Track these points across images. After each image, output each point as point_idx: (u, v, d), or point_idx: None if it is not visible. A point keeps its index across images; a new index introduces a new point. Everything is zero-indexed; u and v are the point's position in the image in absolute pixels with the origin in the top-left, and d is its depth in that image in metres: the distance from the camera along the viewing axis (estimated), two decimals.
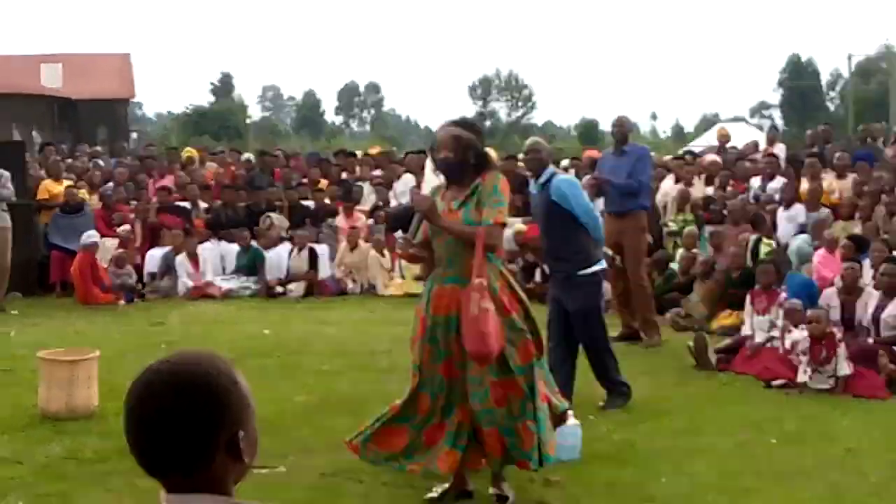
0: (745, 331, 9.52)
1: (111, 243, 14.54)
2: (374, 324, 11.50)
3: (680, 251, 12.75)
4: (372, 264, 14.65)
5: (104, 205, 15.30)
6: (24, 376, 8.45)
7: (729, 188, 14.68)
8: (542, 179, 7.66)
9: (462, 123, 5.67)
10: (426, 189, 6.16)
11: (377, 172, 17.16)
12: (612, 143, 10.77)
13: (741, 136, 22.69)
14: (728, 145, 17.99)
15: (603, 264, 7.81)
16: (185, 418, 1.83)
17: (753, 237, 12.28)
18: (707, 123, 65.21)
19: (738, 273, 11.29)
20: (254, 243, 14.63)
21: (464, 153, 5.47)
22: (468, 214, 5.44)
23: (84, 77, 52.86)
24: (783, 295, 9.57)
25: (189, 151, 19.01)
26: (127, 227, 14.83)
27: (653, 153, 14.52)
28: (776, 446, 6.73)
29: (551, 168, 7.86)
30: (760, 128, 41.15)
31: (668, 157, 19.05)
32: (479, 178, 5.49)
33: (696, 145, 28.42)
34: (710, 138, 26.65)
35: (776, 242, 12.32)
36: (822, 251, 11.56)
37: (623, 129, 10.60)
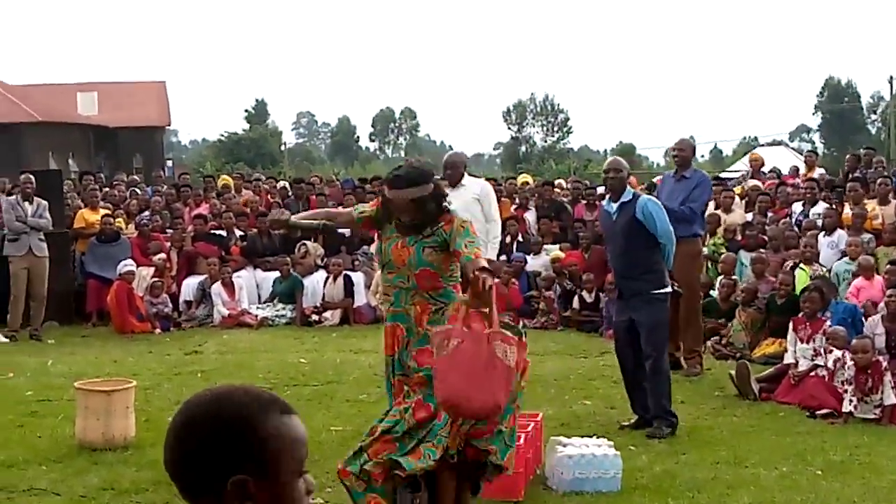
0: (789, 359, 9.36)
1: (147, 272, 14.58)
2: None
3: (720, 278, 12.60)
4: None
5: (140, 233, 15.36)
6: (62, 406, 8.46)
7: (770, 213, 14.51)
8: (624, 199, 7.79)
9: (410, 179, 5.37)
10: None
11: None
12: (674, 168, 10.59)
13: (780, 160, 22.55)
14: (763, 169, 17.85)
15: (670, 287, 7.90)
16: (191, 451, 1.85)
17: (790, 263, 12.13)
18: (746, 147, 64.86)
19: (783, 300, 11.12)
20: (292, 271, 14.62)
21: (426, 210, 5.34)
22: (423, 255, 5.31)
23: (120, 105, 53.46)
24: (828, 322, 9.43)
25: (224, 179, 19.09)
26: (163, 255, 14.88)
27: None
28: (821, 478, 6.61)
29: (630, 188, 7.98)
30: (800, 151, 40.79)
31: None
32: (441, 223, 5.36)
33: (733, 171, 28.24)
34: (748, 162, 26.51)
35: (824, 269, 12.11)
36: (859, 279, 11.40)
37: (685, 152, 10.35)
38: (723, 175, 23.53)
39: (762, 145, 47.61)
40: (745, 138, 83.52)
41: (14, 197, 13.43)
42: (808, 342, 9.24)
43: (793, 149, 46.64)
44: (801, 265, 12.02)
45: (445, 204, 5.43)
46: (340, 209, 5.77)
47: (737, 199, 15.11)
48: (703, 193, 10.25)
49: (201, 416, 1.85)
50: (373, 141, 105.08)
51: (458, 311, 5.04)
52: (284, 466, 1.84)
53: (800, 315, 9.61)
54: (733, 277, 12.47)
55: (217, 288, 14.43)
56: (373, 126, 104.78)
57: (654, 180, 14.72)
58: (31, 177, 13.58)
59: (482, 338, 4.93)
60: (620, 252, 7.89)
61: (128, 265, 13.94)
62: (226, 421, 1.82)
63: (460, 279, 5.41)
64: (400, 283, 5.38)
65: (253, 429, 1.82)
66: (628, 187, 7.96)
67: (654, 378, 7.78)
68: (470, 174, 10.62)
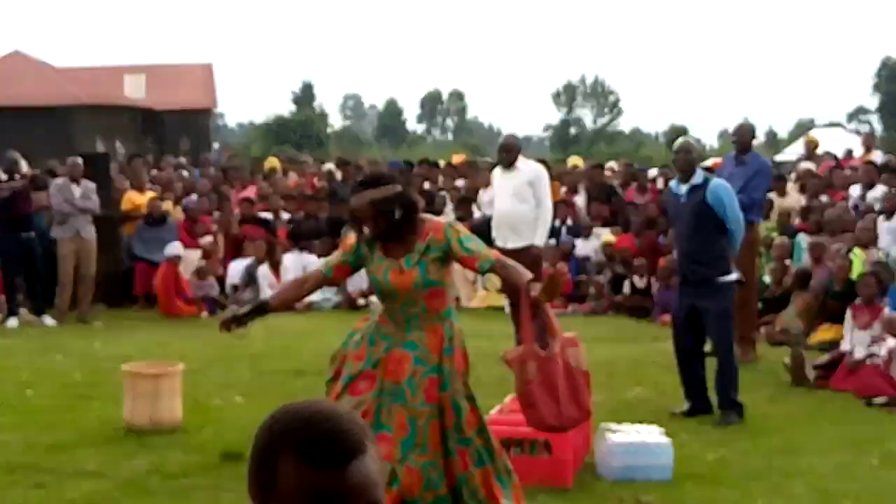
0: (845, 346, 9.19)
1: (194, 255, 14.64)
2: None
3: (770, 263, 12.40)
4: (456, 276, 14.54)
5: (187, 216, 15.42)
6: (109, 389, 8.48)
7: (824, 197, 14.27)
8: (695, 182, 7.66)
9: (368, 181, 5.12)
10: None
11: (460, 183, 17.06)
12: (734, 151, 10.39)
13: (837, 143, 22.21)
14: (820, 152, 17.57)
15: (736, 275, 7.78)
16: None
17: (845, 248, 11.90)
18: (802, 129, 64.03)
19: (840, 285, 10.92)
20: None
21: (389, 214, 4.94)
22: (427, 274, 4.95)
23: (167, 88, 53.81)
24: (886, 309, 9.23)
25: (271, 162, 19.15)
26: (209, 238, 14.93)
27: None
28: (877, 467, 6.53)
29: (702, 171, 7.85)
30: (858, 133, 40.16)
31: None
32: (421, 234, 4.99)
33: (790, 153, 27.91)
34: (803, 145, 26.22)
35: (882, 253, 11.88)
36: None
37: (744, 137, 10.17)
38: (777, 158, 23.24)
39: (818, 127, 47.00)
40: (800, 120, 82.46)
41: (62, 179, 13.51)
42: (865, 329, 9.07)
43: (850, 131, 45.94)
44: (856, 249, 11.78)
45: (419, 213, 5.06)
46: (306, 276, 5.49)
47: (790, 182, 14.90)
48: (763, 181, 10.07)
49: (259, 427, 1.74)
50: (420, 123, 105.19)
51: (524, 330, 4.94)
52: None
53: (857, 301, 9.43)
54: (786, 262, 12.27)
55: (264, 270, 14.44)
56: (420, 108, 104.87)
57: (709, 163, 14.47)
58: (79, 159, 13.66)
59: (554, 355, 4.89)
60: (687, 236, 7.76)
61: (175, 248, 14.00)
62: (258, 441, 1.71)
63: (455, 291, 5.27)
64: (411, 308, 4.97)
65: (269, 460, 1.69)
66: (698, 169, 7.81)
67: (723, 363, 7.69)
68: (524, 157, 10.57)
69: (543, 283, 4.93)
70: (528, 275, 4.96)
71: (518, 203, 10.01)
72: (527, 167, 10.34)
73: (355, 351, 5.11)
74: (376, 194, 4.93)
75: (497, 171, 10.54)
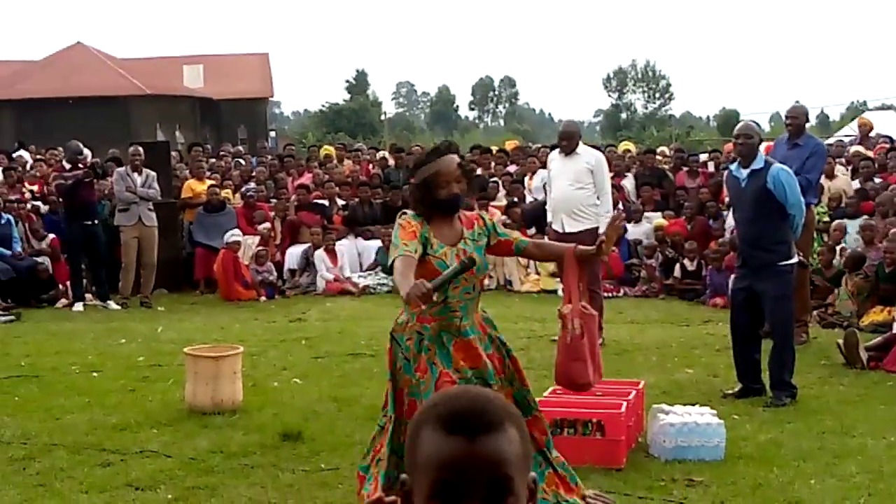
0: None
1: (252, 241, 14.85)
2: (509, 319, 11.44)
3: (817, 247, 12.33)
4: (508, 260, 14.61)
5: (245, 203, 15.63)
6: (172, 371, 8.69)
7: (878, 179, 14.13)
8: (756, 166, 7.65)
9: (447, 145, 5.14)
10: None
11: (511, 168, 17.11)
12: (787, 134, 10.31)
13: (891, 125, 21.87)
14: (873, 134, 17.35)
15: (796, 258, 7.78)
16: None
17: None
18: (854, 112, 62.99)
19: (891, 267, 10.85)
20: None
21: (469, 178, 5.02)
22: (484, 258, 5.03)
23: (224, 77, 54.17)
24: None
25: (326, 150, 19.30)
26: (267, 224, 15.13)
27: None
28: None
29: (763, 155, 7.83)
30: None
31: None
32: (466, 222, 5.02)
33: (843, 135, 27.51)
34: (856, 127, 25.83)
35: None
36: None
37: (798, 119, 10.10)
38: (829, 141, 22.97)
39: (871, 109, 46.19)
40: (853, 103, 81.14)
41: (124, 168, 13.77)
42: None
43: None
44: None
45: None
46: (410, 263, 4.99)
47: (839, 165, 14.76)
48: (818, 162, 9.96)
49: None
50: (472, 110, 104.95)
51: (571, 291, 5.06)
52: (417, 486, 1.70)
53: None
54: (837, 245, 12.20)
55: (320, 254, 14.63)
56: (472, 95, 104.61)
57: (761, 147, 14.37)
58: (140, 148, 13.91)
59: (593, 316, 5.10)
60: (748, 220, 7.73)
61: (234, 234, 14.22)
62: (412, 420, 1.77)
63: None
64: (467, 294, 4.92)
65: (414, 436, 1.72)
66: (760, 154, 7.78)
67: (780, 346, 7.69)
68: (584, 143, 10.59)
69: (606, 229, 5.06)
70: (569, 246, 5.09)
71: (577, 188, 10.06)
72: (587, 153, 10.39)
73: (415, 368, 4.89)
74: (461, 160, 5.00)
75: (555, 157, 10.54)
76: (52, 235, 14.10)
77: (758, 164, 7.66)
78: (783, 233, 7.60)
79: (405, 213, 4.93)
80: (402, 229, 4.75)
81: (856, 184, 14.21)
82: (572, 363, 5.14)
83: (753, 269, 7.68)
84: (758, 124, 9.00)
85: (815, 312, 11.07)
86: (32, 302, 13.50)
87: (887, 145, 16.24)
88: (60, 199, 13.81)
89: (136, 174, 13.46)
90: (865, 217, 12.83)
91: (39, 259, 13.81)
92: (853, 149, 15.98)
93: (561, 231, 10.14)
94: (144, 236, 13.46)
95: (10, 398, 7.97)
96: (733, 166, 8.04)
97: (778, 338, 7.74)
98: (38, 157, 17.78)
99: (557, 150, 10.57)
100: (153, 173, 13.60)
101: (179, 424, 7.06)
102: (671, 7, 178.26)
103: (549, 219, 10.47)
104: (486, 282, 14.65)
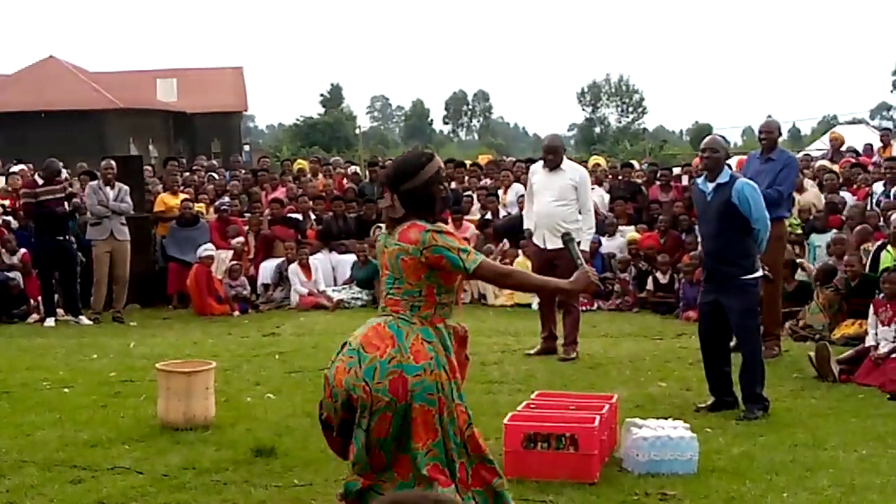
0: (870, 341, 9.21)
1: (226, 255, 14.80)
2: (483, 334, 11.45)
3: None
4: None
5: (219, 217, 15.58)
6: (144, 387, 8.63)
7: (846, 193, 14.25)
8: (721, 180, 7.69)
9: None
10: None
11: (485, 182, 17.14)
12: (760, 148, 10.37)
13: (861, 139, 22.08)
14: (843, 148, 17.49)
15: (760, 272, 7.80)
16: None
17: (877, 244, 11.90)
18: (825, 126, 63.54)
19: (855, 280, 10.96)
20: (370, 258, 14.64)
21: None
22: None
23: (198, 91, 54.14)
24: None
25: (300, 164, 19.30)
26: (241, 239, 15.08)
27: None
28: None
29: (728, 169, 7.88)
30: (880, 130, 39.85)
31: None
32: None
33: (814, 149, 27.75)
34: (827, 141, 26.08)
35: None
36: None
37: (773, 134, 10.17)
38: (800, 154, 23.17)
39: (842, 123, 46.63)
40: (824, 117, 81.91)
41: (96, 182, 13.70)
42: (889, 324, 9.08)
43: (874, 127, 45.55)
44: (889, 247, 11.75)
45: None
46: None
47: (807, 179, 14.89)
48: (790, 174, 10.01)
49: None
50: (446, 124, 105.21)
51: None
52: None
53: (880, 297, 9.44)
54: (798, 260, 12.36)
55: (294, 268, 14.59)
56: (446, 109, 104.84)
57: (733, 162, 14.49)
58: (113, 162, 13.84)
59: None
60: (713, 234, 7.78)
61: (207, 249, 14.16)
62: None
63: None
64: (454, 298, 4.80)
65: None
66: (725, 168, 7.83)
67: (747, 363, 7.73)
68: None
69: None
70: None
71: (560, 204, 10.09)
72: (571, 169, 10.40)
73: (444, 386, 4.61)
74: None
75: (538, 170, 10.49)
76: (23, 250, 14.00)
77: (723, 178, 7.71)
78: (747, 247, 7.64)
79: (427, 224, 4.64)
80: (451, 236, 4.62)
81: (822, 197, 14.33)
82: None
83: (718, 283, 7.73)
84: (724, 138, 9.05)
85: (786, 325, 11.13)
86: (3, 317, 13.40)
87: (852, 160, 16.39)
88: (26, 215, 13.79)
89: (108, 188, 13.39)
90: (835, 231, 12.93)
91: (10, 274, 13.70)
92: (818, 163, 16.11)
93: (542, 247, 10.16)
94: (116, 250, 13.38)
95: None
96: (700, 180, 8.09)
97: (746, 351, 7.79)
98: (11, 171, 17.64)
99: (540, 163, 10.52)
100: (126, 187, 13.53)
101: (151, 440, 7.02)
102: (645, 22, 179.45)
103: (526, 227, 10.49)
104: (461, 295, 14.69)
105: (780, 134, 10.57)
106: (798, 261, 12.34)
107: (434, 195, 4.71)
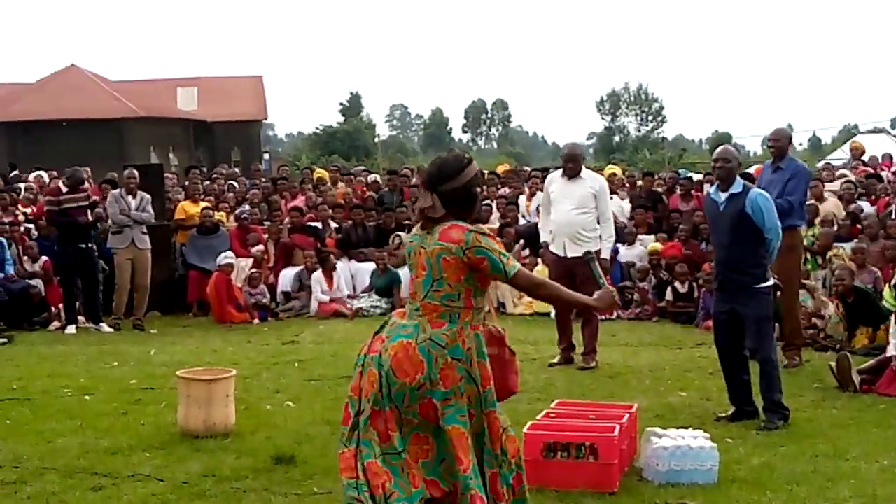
0: (891, 351, 9.15)
1: (246, 263, 14.85)
2: None
3: (815, 270, 12.38)
4: (501, 282, 14.58)
5: (239, 225, 15.63)
6: (164, 394, 8.66)
7: (864, 203, 14.20)
8: (734, 190, 7.70)
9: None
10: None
11: (504, 191, 17.15)
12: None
13: (881, 148, 21.98)
14: (865, 157, 17.43)
15: (772, 281, 7.80)
16: None
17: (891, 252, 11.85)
18: (846, 135, 63.26)
19: (851, 298, 11.00)
20: (389, 266, 14.68)
21: None
22: None
23: (218, 100, 54.33)
24: None
25: (320, 172, 19.35)
26: (261, 247, 15.13)
27: None
28: None
29: (741, 179, 7.88)
30: None
31: None
32: None
33: (834, 158, 27.63)
34: (848, 150, 25.97)
35: None
36: None
37: (780, 142, 10.12)
38: (820, 164, 23.08)
39: (862, 132, 46.42)
40: (845, 126, 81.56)
41: (118, 191, 13.77)
42: None
43: (895, 136, 45.38)
44: None
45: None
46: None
47: (827, 188, 14.84)
48: (799, 184, 9.91)
49: None
50: (465, 132, 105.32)
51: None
52: None
53: None
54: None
55: (318, 276, 14.62)
56: (465, 118, 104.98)
57: (751, 170, 14.47)
58: (135, 171, 13.92)
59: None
60: (726, 244, 7.77)
61: (227, 257, 14.21)
62: None
63: None
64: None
65: None
66: (738, 178, 7.83)
67: (764, 369, 7.71)
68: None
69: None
70: None
71: (580, 213, 10.07)
72: (590, 178, 10.39)
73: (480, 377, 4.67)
74: None
75: (556, 179, 10.47)
76: (45, 258, 14.09)
77: (736, 188, 7.71)
78: (760, 256, 7.65)
79: (469, 225, 4.62)
80: (492, 238, 4.62)
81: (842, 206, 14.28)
82: (511, 376, 5.04)
83: (731, 293, 7.73)
84: (737, 147, 9.04)
85: (807, 335, 11.07)
86: (25, 325, 13.48)
87: (869, 169, 16.33)
88: (49, 223, 13.87)
89: (130, 197, 13.46)
90: (857, 240, 12.89)
91: (32, 282, 13.79)
92: (838, 172, 16.05)
93: (562, 255, 10.14)
94: (137, 259, 13.45)
95: (1, 421, 7.94)
96: (712, 189, 8.08)
97: (762, 360, 7.76)
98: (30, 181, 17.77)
99: (559, 172, 10.51)
100: (147, 196, 13.60)
101: (172, 448, 7.03)
102: (664, 30, 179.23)
103: (544, 239, 10.48)
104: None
105: (790, 143, 10.50)
106: (803, 280, 12.26)
107: (474, 197, 4.72)
